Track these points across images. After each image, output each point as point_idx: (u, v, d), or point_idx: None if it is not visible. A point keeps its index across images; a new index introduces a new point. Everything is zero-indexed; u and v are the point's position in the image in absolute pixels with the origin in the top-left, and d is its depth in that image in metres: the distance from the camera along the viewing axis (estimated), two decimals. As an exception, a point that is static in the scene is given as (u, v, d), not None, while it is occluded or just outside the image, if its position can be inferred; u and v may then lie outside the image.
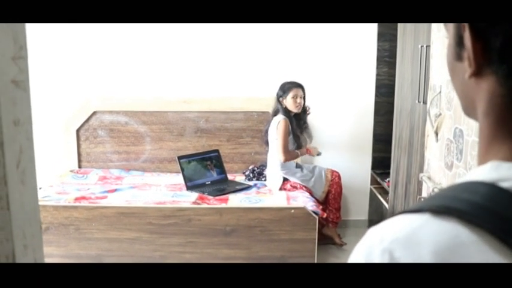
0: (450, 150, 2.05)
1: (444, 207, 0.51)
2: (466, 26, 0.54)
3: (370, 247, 0.53)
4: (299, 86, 3.80)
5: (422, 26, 2.90)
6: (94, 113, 4.23)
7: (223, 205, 3.44)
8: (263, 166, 4.14)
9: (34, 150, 0.86)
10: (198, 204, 3.45)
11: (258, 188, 3.88)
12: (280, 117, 3.76)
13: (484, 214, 0.49)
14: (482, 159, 0.58)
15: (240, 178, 4.12)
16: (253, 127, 4.27)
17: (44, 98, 4.12)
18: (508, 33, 0.51)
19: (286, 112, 3.78)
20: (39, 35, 4.04)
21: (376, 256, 0.52)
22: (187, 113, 4.24)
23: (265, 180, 4.02)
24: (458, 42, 0.57)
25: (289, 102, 3.76)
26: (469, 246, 0.48)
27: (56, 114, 4.19)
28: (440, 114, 2.20)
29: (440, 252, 0.49)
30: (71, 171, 4.18)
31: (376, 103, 4.24)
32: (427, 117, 2.41)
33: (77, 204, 3.38)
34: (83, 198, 3.51)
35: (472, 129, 1.80)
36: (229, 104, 4.23)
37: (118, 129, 4.26)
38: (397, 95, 3.49)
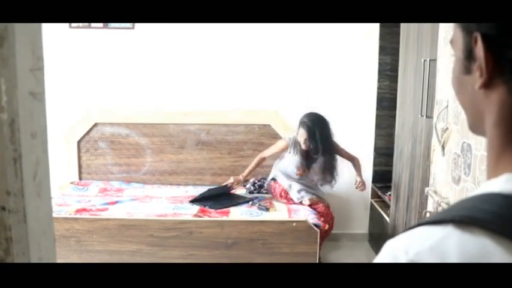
0: (458, 164, 2.05)
1: (467, 218, 0.52)
2: (478, 37, 0.56)
3: (395, 259, 0.53)
4: (306, 127, 3.63)
5: (425, 40, 2.91)
6: (95, 124, 4.23)
7: (224, 218, 3.43)
8: (264, 179, 4.13)
9: (49, 163, 0.85)
10: (200, 217, 3.43)
11: (259, 200, 3.87)
12: (286, 138, 3.81)
13: (507, 224, 0.50)
14: (493, 171, 0.58)
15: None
16: (254, 140, 4.26)
17: (45, 110, 4.11)
18: None
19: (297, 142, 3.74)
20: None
21: None
22: (188, 125, 4.24)
23: (266, 193, 4.00)
24: (468, 56, 0.59)
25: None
26: (495, 256, 0.49)
27: (57, 126, 4.17)
28: (447, 128, 2.20)
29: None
30: (72, 183, 4.17)
31: (377, 116, 4.25)
32: (434, 131, 2.41)
33: (78, 216, 3.36)
34: (84, 210, 3.49)
35: (480, 144, 1.80)
36: (230, 117, 4.23)
37: (119, 141, 4.26)
38: (399, 109, 3.50)
